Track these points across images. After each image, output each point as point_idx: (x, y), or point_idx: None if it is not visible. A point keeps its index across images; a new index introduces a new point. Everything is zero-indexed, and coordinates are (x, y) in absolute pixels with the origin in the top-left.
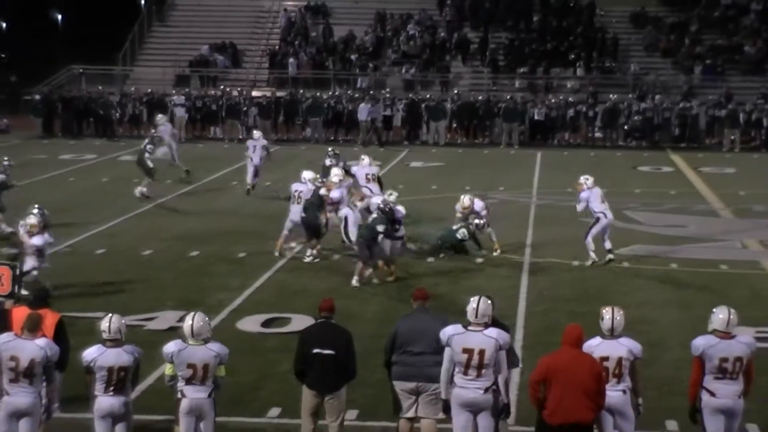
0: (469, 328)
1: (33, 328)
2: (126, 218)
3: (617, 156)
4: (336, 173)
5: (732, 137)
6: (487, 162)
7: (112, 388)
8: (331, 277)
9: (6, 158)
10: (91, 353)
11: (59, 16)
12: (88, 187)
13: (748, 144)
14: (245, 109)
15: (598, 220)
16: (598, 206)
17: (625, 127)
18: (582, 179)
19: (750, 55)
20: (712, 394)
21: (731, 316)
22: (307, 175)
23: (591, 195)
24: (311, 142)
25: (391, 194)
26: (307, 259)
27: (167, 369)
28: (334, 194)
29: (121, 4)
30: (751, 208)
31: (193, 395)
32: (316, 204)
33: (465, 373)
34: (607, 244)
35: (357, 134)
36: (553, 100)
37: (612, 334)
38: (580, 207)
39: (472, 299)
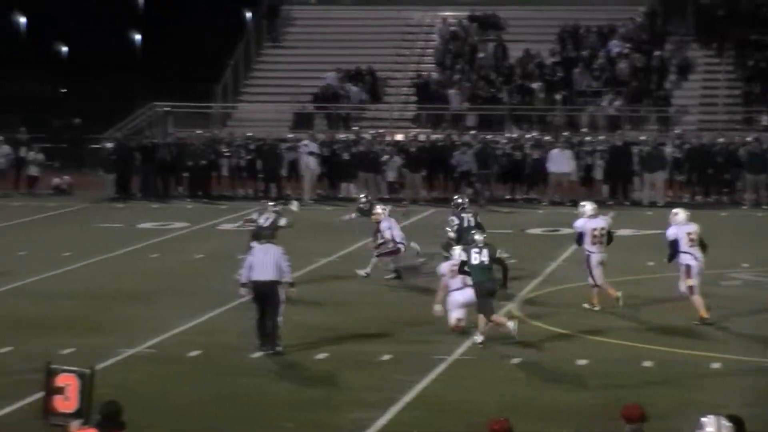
0: None
1: None
2: (228, 308)
3: None
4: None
5: None
6: (726, 229)
7: None
8: (504, 387)
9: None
10: None
11: (137, 37)
12: (176, 266)
13: None
14: (387, 158)
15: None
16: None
17: None
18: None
19: None
20: None
21: None
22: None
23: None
24: (478, 203)
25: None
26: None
27: None
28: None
29: (219, 20)
30: None
31: None
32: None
33: None
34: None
35: (544, 191)
36: None
37: None
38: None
39: (705, 420)
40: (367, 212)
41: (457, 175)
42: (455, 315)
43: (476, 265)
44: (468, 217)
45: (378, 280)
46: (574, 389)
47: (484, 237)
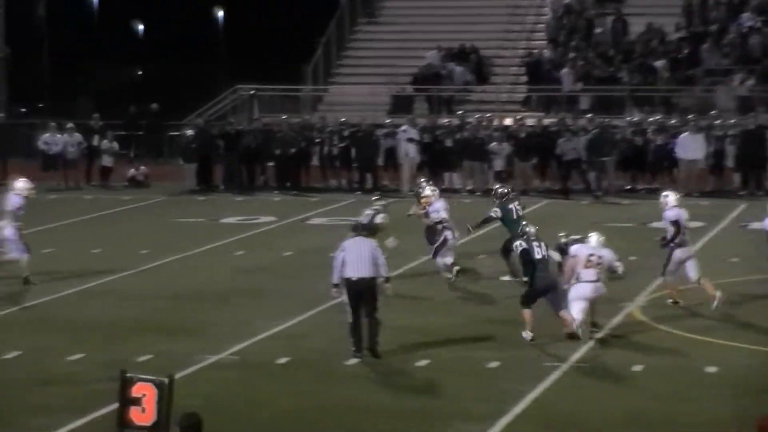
0: None
1: None
2: (319, 311)
3: None
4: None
5: None
6: None
7: None
8: (625, 397)
9: None
10: None
11: (220, 14)
12: (262, 264)
13: None
14: (495, 145)
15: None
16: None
17: None
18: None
19: None
20: None
21: None
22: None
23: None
24: (597, 193)
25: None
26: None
27: None
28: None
29: None
30: None
31: None
32: None
33: None
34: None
35: (668, 179)
36: None
37: None
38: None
39: None
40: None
41: (564, 165)
42: (576, 307)
43: (540, 259)
44: (515, 207)
45: (482, 277)
46: (703, 399)
47: (536, 229)
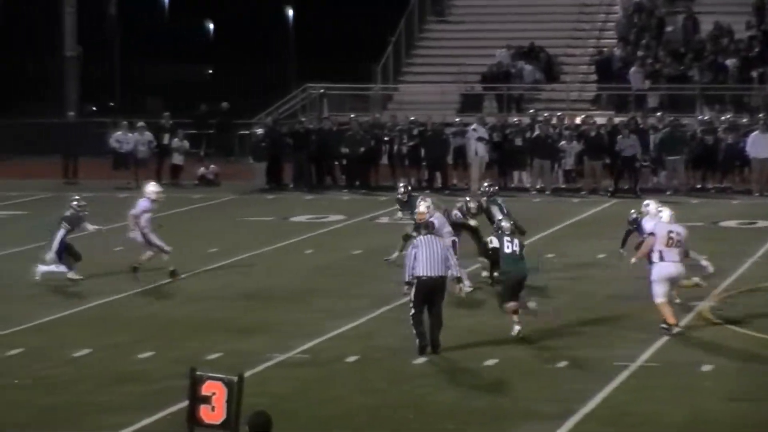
0: None
1: None
2: (388, 309)
3: None
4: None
5: None
6: None
7: None
8: (694, 398)
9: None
10: None
11: (290, 13)
12: (331, 262)
13: None
14: (565, 144)
15: None
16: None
17: None
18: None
19: None
20: None
21: None
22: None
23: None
24: (667, 192)
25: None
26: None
27: None
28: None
29: None
30: None
31: None
32: None
33: None
34: None
35: (739, 179)
36: None
37: None
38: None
39: None
40: (406, 204)
41: (622, 161)
42: (659, 289)
43: (508, 254)
44: (501, 202)
45: (548, 274)
46: None
47: (511, 224)
